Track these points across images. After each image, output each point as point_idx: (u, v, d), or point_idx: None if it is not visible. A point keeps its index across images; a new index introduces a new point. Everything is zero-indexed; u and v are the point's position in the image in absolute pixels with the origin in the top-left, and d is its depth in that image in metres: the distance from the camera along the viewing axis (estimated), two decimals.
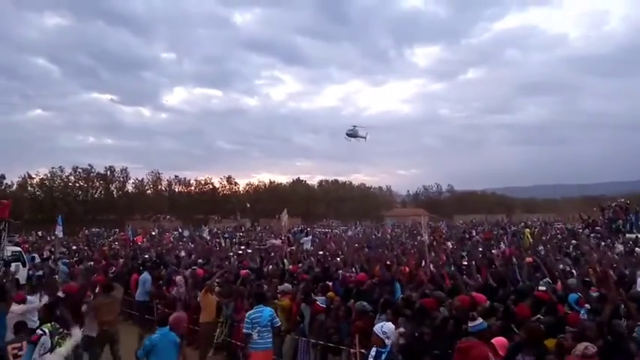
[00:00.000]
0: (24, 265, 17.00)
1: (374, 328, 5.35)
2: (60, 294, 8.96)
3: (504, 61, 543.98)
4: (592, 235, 23.81)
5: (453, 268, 11.45)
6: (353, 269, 11.69)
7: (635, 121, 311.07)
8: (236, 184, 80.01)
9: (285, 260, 14.24)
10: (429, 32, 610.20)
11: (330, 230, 40.92)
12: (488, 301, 7.13)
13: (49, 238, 32.59)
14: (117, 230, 43.33)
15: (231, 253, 17.69)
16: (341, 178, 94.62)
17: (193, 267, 13.46)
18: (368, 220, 61.42)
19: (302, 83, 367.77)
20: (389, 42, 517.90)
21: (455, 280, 9.05)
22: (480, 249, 17.57)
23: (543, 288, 7.24)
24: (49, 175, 63.56)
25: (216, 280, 10.62)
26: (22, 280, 15.17)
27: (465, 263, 12.74)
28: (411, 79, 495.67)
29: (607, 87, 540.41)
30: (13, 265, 15.95)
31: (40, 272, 15.92)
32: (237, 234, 35.82)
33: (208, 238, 32.78)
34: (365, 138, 44.36)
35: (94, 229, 45.74)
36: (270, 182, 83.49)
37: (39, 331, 6.16)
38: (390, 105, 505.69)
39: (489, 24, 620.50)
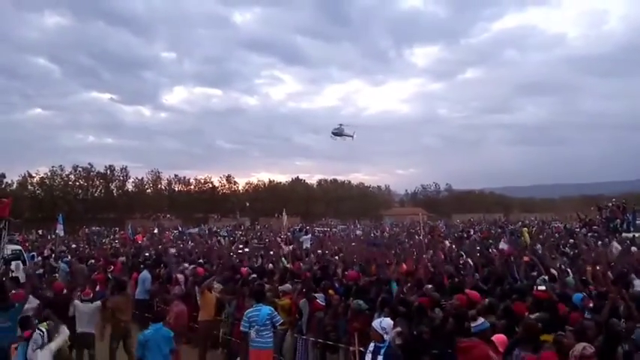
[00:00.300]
0: (24, 264, 17.01)
1: (372, 324, 5.42)
2: (49, 294, 9.06)
3: (503, 61, 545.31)
4: (589, 234, 23.88)
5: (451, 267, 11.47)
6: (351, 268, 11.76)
7: (634, 120, 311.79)
8: (236, 183, 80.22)
9: (283, 259, 14.31)
10: (429, 32, 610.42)
11: (330, 229, 40.99)
12: (486, 299, 7.21)
13: (49, 237, 32.62)
14: (117, 229, 43.36)
15: (230, 253, 17.72)
16: (340, 178, 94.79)
17: (193, 265, 13.54)
18: (367, 220, 61.48)
19: (302, 83, 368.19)
20: (388, 42, 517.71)
21: (453, 279, 9.13)
22: (478, 248, 17.63)
23: (543, 287, 7.29)
24: (49, 173, 63.72)
25: (217, 279, 10.71)
26: (22, 279, 15.21)
27: (463, 262, 12.83)
28: (410, 78, 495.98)
29: (606, 87, 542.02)
30: (14, 263, 16.00)
31: (41, 271, 15.96)
32: (237, 233, 35.88)
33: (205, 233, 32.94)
34: (352, 137, 44.11)
35: (94, 228, 45.76)
36: (270, 181, 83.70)
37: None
38: (390, 105, 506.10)
39: (488, 24, 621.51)
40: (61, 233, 24.11)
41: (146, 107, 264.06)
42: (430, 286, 8.22)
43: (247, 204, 65.35)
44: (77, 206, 60.15)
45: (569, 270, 10.60)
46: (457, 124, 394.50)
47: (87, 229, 42.70)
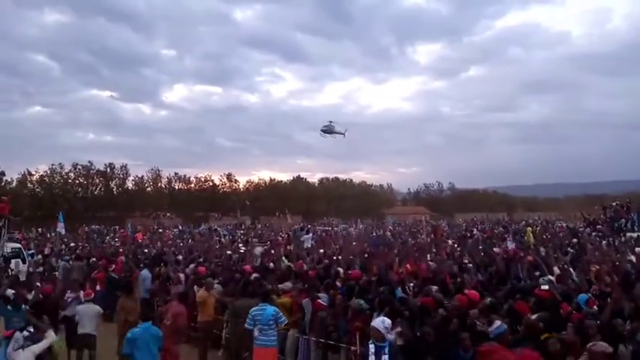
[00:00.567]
0: (24, 262, 16.93)
1: (373, 323, 5.31)
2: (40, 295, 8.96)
3: (506, 59, 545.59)
4: (593, 233, 23.72)
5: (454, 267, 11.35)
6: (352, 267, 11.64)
7: (638, 119, 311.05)
8: (236, 181, 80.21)
9: (284, 258, 14.20)
10: (431, 30, 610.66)
11: (331, 228, 40.86)
12: (487, 298, 7.09)
13: (49, 235, 32.56)
14: (117, 227, 43.31)
15: (229, 252, 17.57)
16: (342, 176, 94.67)
17: (192, 264, 13.43)
18: (369, 218, 61.34)
19: (303, 81, 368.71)
20: (390, 39, 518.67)
21: (456, 279, 9.01)
22: (481, 247, 17.50)
23: (546, 287, 7.17)
24: (48, 171, 63.76)
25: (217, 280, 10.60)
26: (22, 277, 15.11)
27: (466, 261, 12.71)
28: (413, 76, 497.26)
29: (610, 85, 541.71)
30: (13, 261, 15.92)
31: (41, 269, 15.87)
32: (238, 232, 35.78)
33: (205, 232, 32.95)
34: (344, 135, 43.81)
35: (94, 226, 45.72)
36: (271, 180, 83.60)
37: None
38: (392, 103, 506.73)
39: (491, 22, 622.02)
40: (62, 231, 24.04)
41: (146, 105, 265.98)
42: (435, 287, 8.07)
43: (247, 202, 65.20)
44: (77, 204, 60.14)
45: (572, 270, 10.47)
46: (460, 122, 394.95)
47: (87, 228, 42.65)
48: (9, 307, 7.71)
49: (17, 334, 5.99)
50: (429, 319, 6.60)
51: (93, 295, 9.27)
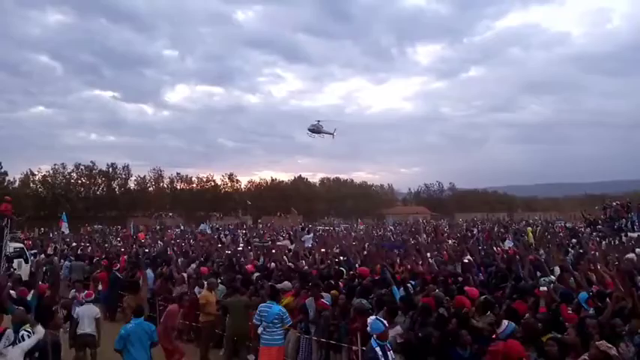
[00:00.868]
0: (26, 262, 17.02)
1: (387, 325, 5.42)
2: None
3: (507, 59, 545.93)
4: (594, 234, 23.74)
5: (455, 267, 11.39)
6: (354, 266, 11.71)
7: (638, 119, 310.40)
8: (238, 181, 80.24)
9: (285, 258, 14.23)
10: (431, 30, 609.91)
11: (332, 228, 40.87)
12: (482, 296, 7.16)
13: (51, 235, 32.63)
14: (119, 227, 43.39)
15: (229, 252, 17.61)
16: (342, 176, 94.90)
17: (194, 264, 13.50)
18: (369, 218, 61.31)
19: (304, 81, 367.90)
20: (391, 40, 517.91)
21: (456, 279, 9.05)
22: (480, 247, 17.53)
23: (544, 288, 7.22)
24: (51, 171, 63.88)
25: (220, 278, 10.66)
26: (25, 277, 15.19)
27: (466, 260, 12.74)
28: (413, 77, 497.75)
29: (610, 85, 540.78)
30: (16, 261, 15.99)
31: (43, 269, 15.93)
32: (239, 231, 35.82)
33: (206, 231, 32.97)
34: (332, 135, 43.43)
35: (96, 226, 45.79)
36: (272, 180, 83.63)
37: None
38: (392, 103, 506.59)
39: (491, 22, 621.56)
40: (66, 231, 24.11)
41: (148, 105, 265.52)
42: (435, 287, 8.11)
43: (248, 202, 65.23)
44: (79, 204, 60.20)
45: (572, 270, 10.50)
46: (460, 122, 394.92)
47: (89, 228, 42.72)
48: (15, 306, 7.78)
49: (8, 331, 6.05)
50: (429, 318, 6.65)
51: (93, 296, 9.32)
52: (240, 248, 17.86)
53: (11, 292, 8.87)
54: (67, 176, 64.85)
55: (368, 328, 5.37)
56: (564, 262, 11.07)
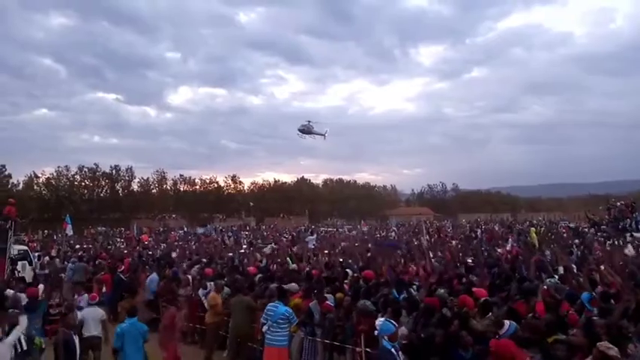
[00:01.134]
0: (30, 264, 17.04)
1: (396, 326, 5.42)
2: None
3: (509, 59, 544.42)
4: (598, 234, 23.65)
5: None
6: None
7: None
8: (241, 182, 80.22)
9: (289, 259, 14.24)
10: (434, 31, 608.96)
11: (336, 229, 40.84)
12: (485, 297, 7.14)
13: (55, 237, 32.72)
14: (122, 229, 43.47)
15: (230, 254, 17.63)
16: (345, 177, 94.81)
17: (199, 266, 13.50)
18: (372, 219, 61.29)
19: (306, 82, 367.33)
20: (393, 41, 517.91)
21: (461, 280, 9.03)
22: (483, 248, 17.49)
23: (545, 287, 7.20)
24: (55, 174, 64.05)
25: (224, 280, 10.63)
26: (29, 279, 15.22)
27: (470, 261, 12.72)
28: (416, 78, 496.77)
29: (613, 85, 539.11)
30: (20, 263, 16.02)
31: (46, 271, 15.97)
32: (243, 233, 35.87)
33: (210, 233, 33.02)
34: (324, 136, 43.01)
35: (99, 228, 45.90)
36: (275, 181, 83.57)
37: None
38: (395, 104, 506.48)
39: (494, 23, 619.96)
40: (71, 233, 24.19)
41: (151, 107, 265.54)
42: (442, 290, 8.09)
43: (251, 204, 65.24)
44: (83, 207, 60.35)
45: (576, 270, 10.46)
46: (463, 123, 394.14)
47: (92, 230, 42.85)
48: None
49: None
50: (431, 319, 6.63)
51: (98, 298, 9.33)
52: (243, 250, 17.90)
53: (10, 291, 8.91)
54: (71, 178, 65.03)
55: (377, 330, 5.36)
56: (568, 263, 11.06)
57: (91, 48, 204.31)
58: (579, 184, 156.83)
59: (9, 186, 58.68)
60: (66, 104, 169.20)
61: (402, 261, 12.73)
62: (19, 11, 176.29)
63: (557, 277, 8.90)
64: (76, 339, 6.74)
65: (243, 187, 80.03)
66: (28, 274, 15.58)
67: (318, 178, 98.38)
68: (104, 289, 13.11)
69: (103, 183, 67.84)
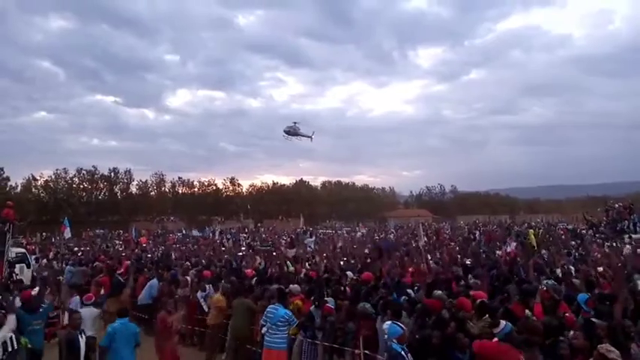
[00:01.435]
0: (28, 267, 17.03)
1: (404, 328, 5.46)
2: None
3: (508, 61, 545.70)
4: (596, 235, 23.70)
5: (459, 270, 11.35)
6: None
7: None
8: (239, 185, 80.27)
9: (288, 262, 14.22)
10: (432, 33, 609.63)
11: (335, 231, 40.80)
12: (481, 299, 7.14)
13: (53, 240, 32.67)
14: (121, 231, 43.41)
15: (227, 256, 17.61)
16: (344, 179, 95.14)
17: (197, 268, 13.48)
18: (371, 222, 61.28)
19: (305, 85, 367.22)
20: (392, 43, 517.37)
21: (459, 282, 9.03)
22: (482, 250, 17.51)
23: (544, 289, 7.21)
24: (53, 176, 64.03)
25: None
26: (27, 282, 15.20)
27: (468, 262, 12.73)
28: (415, 80, 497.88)
29: (611, 87, 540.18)
30: (18, 266, 16.00)
31: (45, 273, 15.94)
32: (241, 235, 35.82)
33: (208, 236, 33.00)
34: (311, 138, 42.55)
35: (98, 231, 45.83)
36: (274, 183, 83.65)
37: None
38: (394, 106, 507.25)
39: (493, 24, 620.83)
40: (69, 235, 24.16)
41: (150, 110, 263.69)
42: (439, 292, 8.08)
43: (249, 206, 65.22)
44: (81, 209, 60.30)
45: (575, 272, 10.49)
46: (462, 125, 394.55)
47: (90, 232, 42.77)
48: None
49: None
50: (428, 320, 6.64)
51: (94, 299, 9.31)
52: (242, 253, 17.88)
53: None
54: (69, 181, 65.05)
55: (386, 334, 5.37)
56: (566, 264, 11.09)
57: (90, 50, 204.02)
58: (578, 186, 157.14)
59: (7, 188, 58.62)
60: (65, 107, 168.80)
61: (401, 263, 12.70)
62: (19, 14, 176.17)
63: (552, 279, 8.89)
64: (82, 339, 6.73)
65: (241, 189, 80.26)
66: (26, 277, 15.56)
67: (316, 181, 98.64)
68: (102, 292, 13.09)
69: (102, 185, 67.86)
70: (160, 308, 11.10)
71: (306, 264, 14.02)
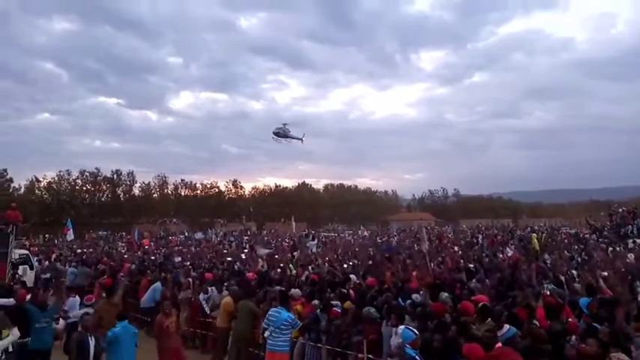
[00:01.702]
0: (31, 268, 17.08)
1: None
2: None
3: (510, 65, 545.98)
4: (599, 240, 23.62)
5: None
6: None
7: None
8: (242, 187, 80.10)
9: (291, 265, 14.24)
10: (435, 36, 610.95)
11: (337, 234, 40.78)
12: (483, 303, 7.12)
13: (56, 241, 32.76)
14: (123, 233, 43.47)
15: (229, 258, 17.61)
16: (346, 182, 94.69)
17: (199, 270, 13.50)
18: (373, 225, 61.22)
19: (307, 87, 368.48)
20: (395, 46, 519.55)
21: (463, 286, 9.02)
22: (484, 254, 17.47)
23: (547, 293, 7.20)
24: (56, 178, 63.98)
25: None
26: (30, 283, 15.24)
27: (472, 266, 12.71)
28: (417, 83, 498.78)
29: (614, 90, 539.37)
30: (21, 267, 16.04)
31: (48, 275, 16.00)
32: (244, 237, 35.87)
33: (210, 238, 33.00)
34: (301, 140, 42.19)
35: (100, 232, 45.93)
36: (276, 186, 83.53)
37: None
38: (396, 109, 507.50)
39: (495, 28, 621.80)
40: (71, 237, 24.23)
41: (152, 112, 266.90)
42: (446, 294, 8.08)
43: (251, 209, 65.16)
44: (84, 211, 60.38)
45: (577, 276, 10.47)
46: (464, 128, 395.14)
47: (93, 234, 42.86)
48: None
49: None
50: (429, 324, 6.63)
51: (94, 300, 9.33)
52: (244, 256, 17.88)
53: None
54: (72, 183, 65.00)
55: (399, 339, 5.36)
56: (568, 269, 11.06)
57: (93, 52, 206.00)
58: (581, 190, 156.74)
59: (10, 190, 58.72)
60: (68, 108, 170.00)
61: (404, 267, 12.68)
62: (22, 16, 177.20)
63: (552, 284, 8.89)
64: (92, 341, 6.74)
65: (244, 191, 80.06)
66: (29, 279, 15.61)
67: (319, 183, 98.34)
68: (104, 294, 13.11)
69: (105, 187, 67.84)
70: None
71: (309, 267, 14.00)
